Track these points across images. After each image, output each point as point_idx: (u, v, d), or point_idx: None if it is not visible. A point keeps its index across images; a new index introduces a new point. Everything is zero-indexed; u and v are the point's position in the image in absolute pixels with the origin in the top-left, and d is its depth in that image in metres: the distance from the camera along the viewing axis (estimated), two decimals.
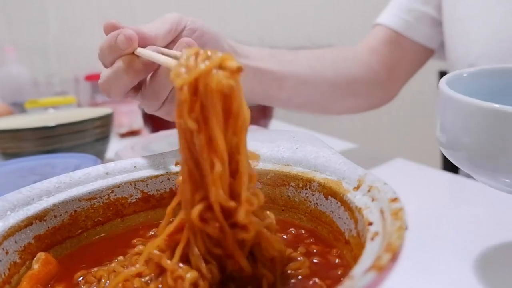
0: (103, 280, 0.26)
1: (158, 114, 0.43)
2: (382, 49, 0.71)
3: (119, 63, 0.39)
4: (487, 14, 0.62)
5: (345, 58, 0.68)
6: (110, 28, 0.40)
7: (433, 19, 0.71)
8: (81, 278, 0.27)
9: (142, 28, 0.40)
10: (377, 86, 0.71)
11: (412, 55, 0.73)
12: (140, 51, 0.38)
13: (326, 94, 0.66)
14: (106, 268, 0.28)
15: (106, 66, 0.40)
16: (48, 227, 0.30)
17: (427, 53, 0.74)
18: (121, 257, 0.29)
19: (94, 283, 0.27)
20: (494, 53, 0.61)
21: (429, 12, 0.70)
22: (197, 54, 0.22)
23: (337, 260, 0.26)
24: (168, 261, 0.23)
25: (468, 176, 0.50)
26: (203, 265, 0.23)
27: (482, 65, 0.38)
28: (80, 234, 0.32)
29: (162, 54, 0.35)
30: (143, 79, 0.41)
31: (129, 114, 1.01)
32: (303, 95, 0.64)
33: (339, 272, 0.25)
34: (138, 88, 0.42)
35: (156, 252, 0.24)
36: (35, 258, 0.28)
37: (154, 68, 0.40)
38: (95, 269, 0.28)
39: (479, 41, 0.62)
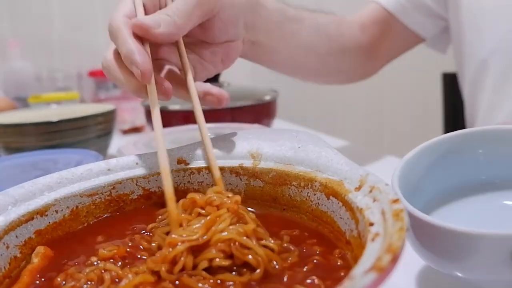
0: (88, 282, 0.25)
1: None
2: (372, 27, 0.70)
3: None
4: (502, 7, 0.61)
5: (340, 33, 0.67)
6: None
7: (430, 9, 0.70)
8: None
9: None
10: (361, 61, 0.70)
11: (401, 39, 0.72)
12: None
13: (315, 63, 0.65)
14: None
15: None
16: (49, 222, 0.30)
17: (417, 40, 0.73)
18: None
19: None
20: (509, 48, 0.60)
21: (427, 1, 0.69)
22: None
23: (338, 262, 0.26)
24: None
25: None
26: None
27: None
28: (81, 230, 0.32)
29: None
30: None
31: (132, 111, 1.01)
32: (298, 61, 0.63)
33: (341, 274, 0.25)
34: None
35: None
36: (34, 252, 0.28)
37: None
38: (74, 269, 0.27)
39: (493, 35, 0.61)
